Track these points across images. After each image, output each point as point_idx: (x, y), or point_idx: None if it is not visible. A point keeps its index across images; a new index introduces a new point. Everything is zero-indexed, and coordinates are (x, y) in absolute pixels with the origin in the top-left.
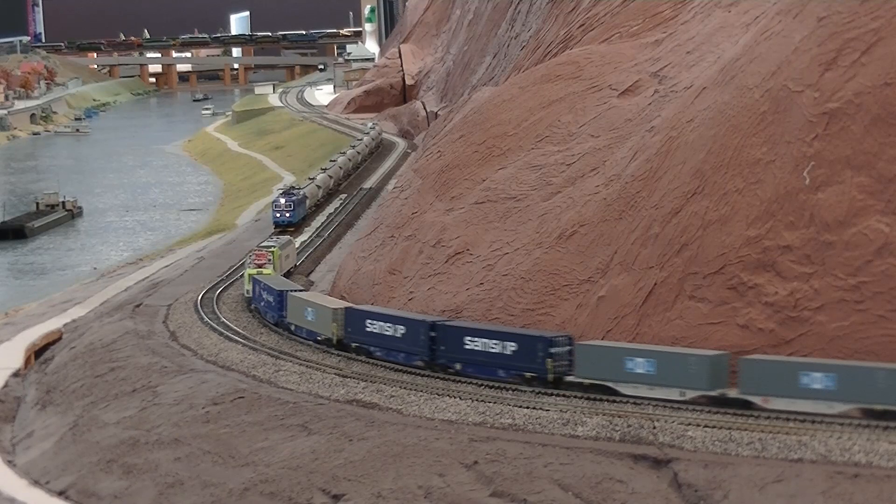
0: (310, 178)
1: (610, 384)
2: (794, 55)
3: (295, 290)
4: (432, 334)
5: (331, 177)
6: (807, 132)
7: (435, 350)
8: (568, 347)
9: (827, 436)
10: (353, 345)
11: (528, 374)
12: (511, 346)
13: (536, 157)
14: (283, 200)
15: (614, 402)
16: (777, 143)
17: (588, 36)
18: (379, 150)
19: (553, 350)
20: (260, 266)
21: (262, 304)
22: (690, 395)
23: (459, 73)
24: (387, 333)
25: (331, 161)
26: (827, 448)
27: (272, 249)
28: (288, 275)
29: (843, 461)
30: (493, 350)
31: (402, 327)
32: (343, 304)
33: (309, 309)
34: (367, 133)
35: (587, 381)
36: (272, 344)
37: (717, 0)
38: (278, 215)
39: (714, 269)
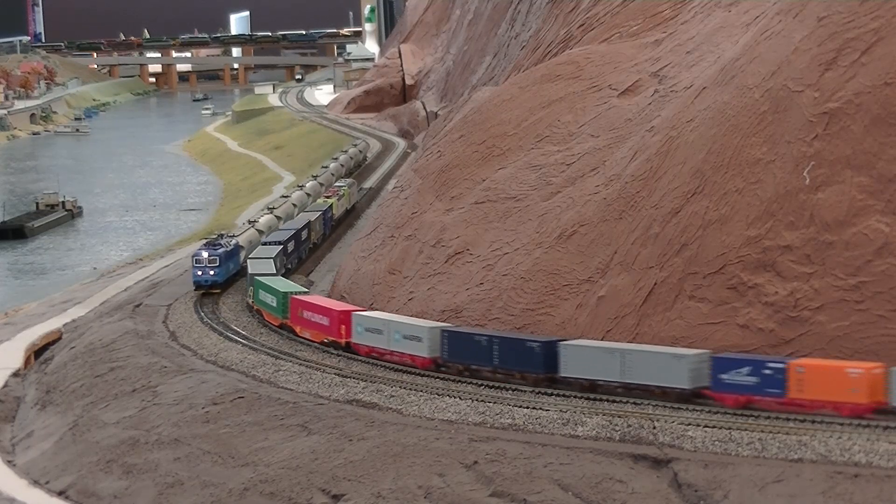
0: (249, 222)
1: None
2: (794, 55)
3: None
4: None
5: (279, 217)
6: (807, 132)
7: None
8: None
9: (827, 436)
10: None
11: None
12: None
13: (536, 157)
14: (205, 254)
15: (614, 402)
16: (777, 143)
17: (588, 36)
18: (359, 169)
19: None
20: (328, 197)
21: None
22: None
23: (459, 73)
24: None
25: (283, 197)
26: (827, 448)
27: (342, 189)
28: (346, 214)
29: (843, 461)
30: None
31: None
32: None
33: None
34: (336, 159)
35: None
36: (272, 344)
37: (717, 0)
38: (199, 273)
39: (714, 269)
